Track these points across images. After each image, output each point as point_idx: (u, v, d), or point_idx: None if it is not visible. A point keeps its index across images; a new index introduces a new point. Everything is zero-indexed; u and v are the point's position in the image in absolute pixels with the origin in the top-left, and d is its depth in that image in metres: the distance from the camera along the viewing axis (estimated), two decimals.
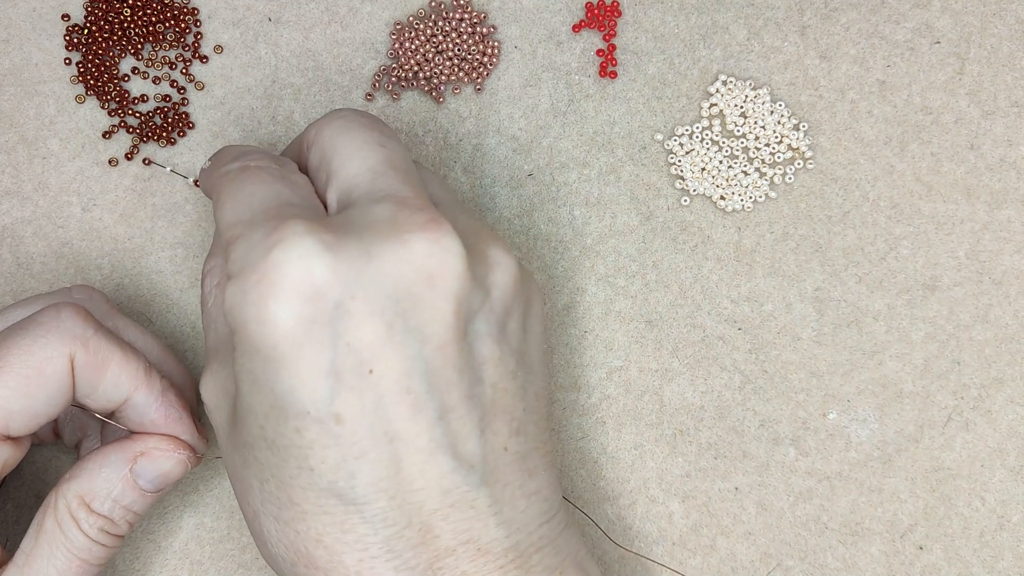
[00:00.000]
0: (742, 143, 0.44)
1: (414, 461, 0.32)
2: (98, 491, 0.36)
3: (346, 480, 0.32)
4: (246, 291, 0.31)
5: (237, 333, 0.32)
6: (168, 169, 0.43)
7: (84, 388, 0.36)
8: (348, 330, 0.31)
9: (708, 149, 0.44)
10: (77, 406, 0.37)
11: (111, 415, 0.37)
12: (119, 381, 0.36)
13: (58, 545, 0.36)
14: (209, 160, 0.38)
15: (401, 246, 0.32)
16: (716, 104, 0.44)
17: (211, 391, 0.35)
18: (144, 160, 0.43)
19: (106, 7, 0.44)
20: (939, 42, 0.44)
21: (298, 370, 0.31)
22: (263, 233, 0.32)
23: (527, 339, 0.35)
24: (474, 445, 0.33)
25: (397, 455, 0.32)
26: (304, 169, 0.37)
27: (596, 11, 0.44)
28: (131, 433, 0.37)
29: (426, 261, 0.32)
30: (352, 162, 0.34)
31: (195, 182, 0.43)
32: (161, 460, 0.37)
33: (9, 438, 0.35)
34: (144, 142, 0.44)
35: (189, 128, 0.44)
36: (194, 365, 0.43)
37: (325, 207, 0.35)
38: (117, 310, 0.40)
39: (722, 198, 0.44)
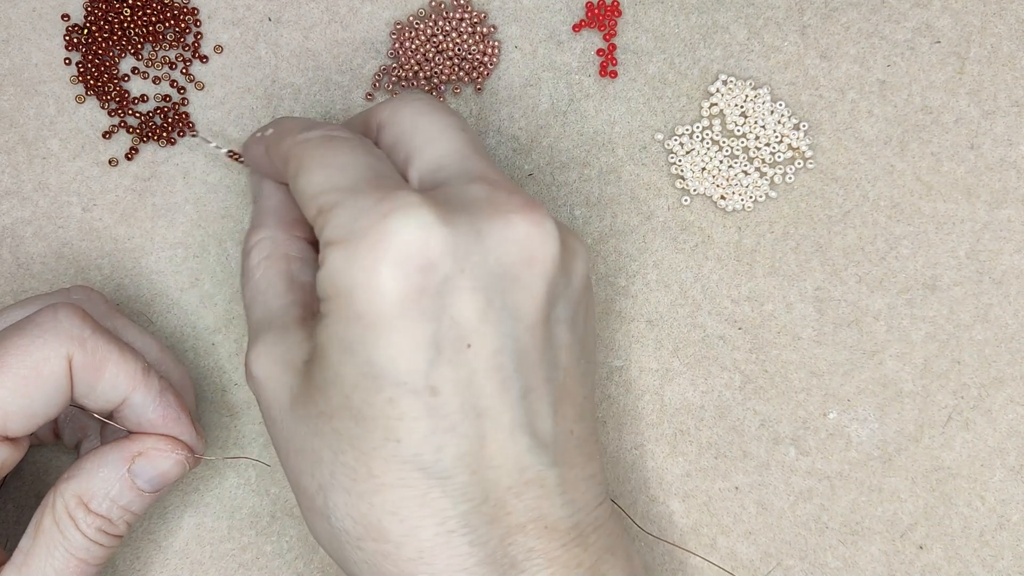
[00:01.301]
0: (742, 143, 0.44)
1: (497, 438, 0.32)
2: (96, 491, 0.36)
3: (432, 453, 0.32)
4: (355, 257, 0.31)
5: (335, 299, 0.32)
6: (213, 144, 0.43)
7: (82, 388, 0.36)
8: (453, 304, 0.31)
9: (708, 149, 0.44)
10: (76, 406, 0.37)
11: (110, 415, 0.37)
12: (117, 381, 0.36)
13: (56, 545, 0.36)
14: (269, 129, 0.38)
15: (506, 226, 0.32)
16: (716, 104, 0.44)
17: (264, 364, 0.35)
18: (192, 134, 0.43)
19: (106, 7, 0.44)
20: (939, 42, 0.44)
21: (401, 340, 0.31)
22: (372, 200, 0.32)
23: (588, 329, 0.36)
24: (549, 426, 0.34)
25: (483, 430, 0.32)
26: None
27: (596, 11, 0.44)
28: (130, 433, 0.37)
29: (528, 242, 0.32)
30: (438, 143, 0.35)
31: (231, 154, 0.43)
32: (159, 460, 0.37)
33: (8, 439, 0.35)
34: (144, 142, 0.44)
35: (189, 128, 0.44)
36: (194, 365, 0.43)
37: None
38: (116, 310, 0.40)
39: (722, 198, 0.44)
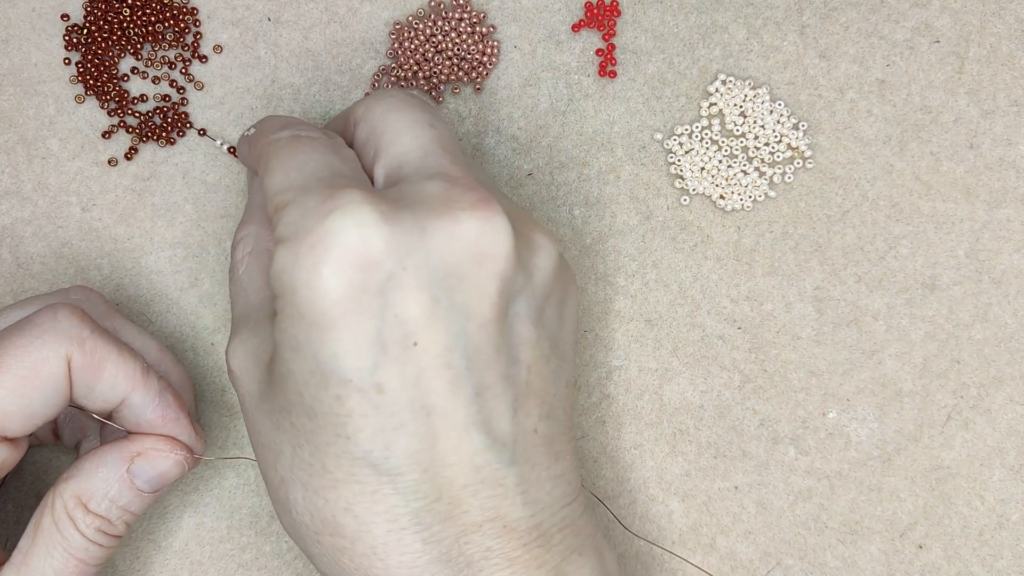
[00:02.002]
0: (741, 142, 0.44)
1: (449, 436, 0.32)
2: (95, 491, 0.36)
3: (382, 450, 0.32)
4: (298, 256, 0.31)
5: (283, 297, 0.32)
6: (219, 142, 0.43)
7: (81, 389, 0.36)
8: (396, 302, 0.31)
9: (707, 148, 0.44)
10: (75, 407, 0.37)
11: (109, 416, 0.37)
12: (116, 382, 0.36)
13: (55, 545, 0.36)
14: (252, 128, 0.38)
15: (453, 223, 0.32)
16: (715, 103, 0.44)
17: (239, 357, 0.35)
18: (200, 131, 0.44)
19: (105, 7, 0.44)
20: (938, 41, 0.44)
21: (344, 338, 0.31)
22: (318, 199, 0.32)
23: (562, 325, 0.36)
24: (507, 425, 0.33)
25: (433, 429, 0.32)
26: (349, 144, 0.37)
27: (595, 11, 0.44)
28: (128, 434, 0.37)
29: (476, 239, 0.32)
30: (403, 140, 0.35)
31: (231, 150, 0.44)
32: (158, 460, 0.37)
33: (7, 439, 0.35)
34: (143, 142, 0.44)
35: (188, 128, 0.44)
36: (193, 365, 0.43)
37: (372, 182, 0.35)
38: (115, 310, 0.40)
39: (721, 197, 0.44)
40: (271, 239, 0.37)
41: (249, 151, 0.38)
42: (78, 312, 0.36)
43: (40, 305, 0.38)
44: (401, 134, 0.35)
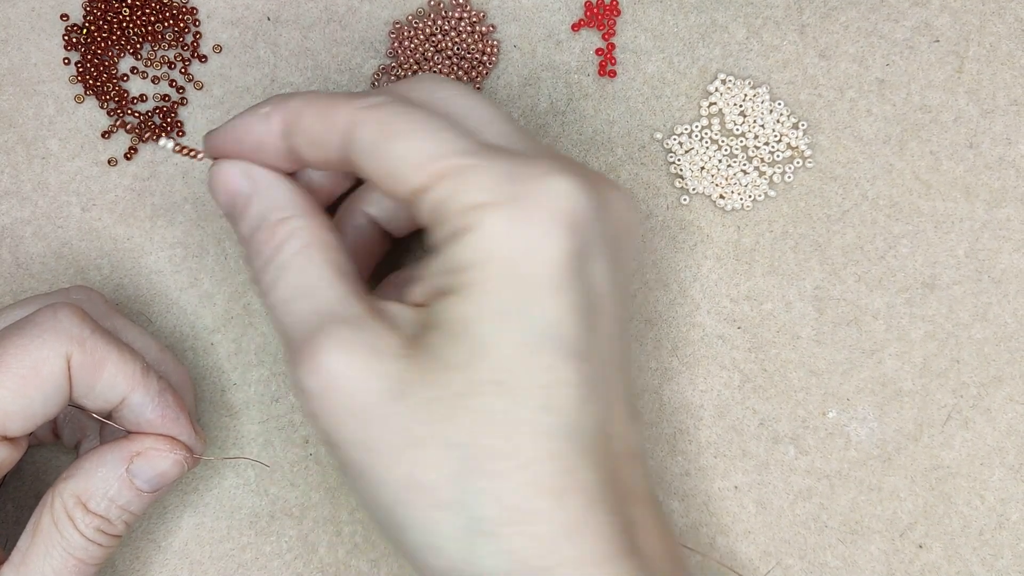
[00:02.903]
0: (741, 142, 0.44)
1: (615, 407, 0.33)
2: (94, 491, 0.36)
3: (581, 422, 0.31)
4: (522, 218, 0.30)
5: (491, 264, 0.30)
6: (166, 143, 0.37)
7: (81, 388, 0.36)
8: (593, 269, 0.32)
9: (707, 148, 0.44)
10: (75, 406, 0.37)
11: (109, 415, 0.37)
12: (116, 381, 0.36)
13: (54, 544, 0.36)
14: (265, 106, 0.35)
15: (616, 195, 0.33)
16: (715, 103, 0.44)
17: (345, 358, 0.32)
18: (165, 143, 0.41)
19: (105, 7, 0.44)
20: (938, 40, 0.44)
21: (564, 302, 0.31)
22: (515, 163, 0.31)
23: None
24: (631, 396, 0.35)
25: (609, 398, 0.32)
26: None
27: (595, 10, 0.44)
28: (128, 433, 0.37)
29: (628, 213, 0.34)
30: (494, 123, 0.34)
31: (182, 149, 0.37)
32: (157, 460, 0.37)
33: (7, 438, 0.35)
34: (143, 142, 0.44)
35: (180, 134, 0.44)
36: (193, 365, 0.43)
37: None
38: (115, 310, 0.40)
39: (721, 197, 0.44)
40: (326, 232, 0.34)
41: (286, 133, 0.34)
42: (78, 312, 0.36)
43: (40, 305, 0.38)
44: (493, 119, 0.34)
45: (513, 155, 0.32)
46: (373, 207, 0.39)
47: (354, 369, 0.31)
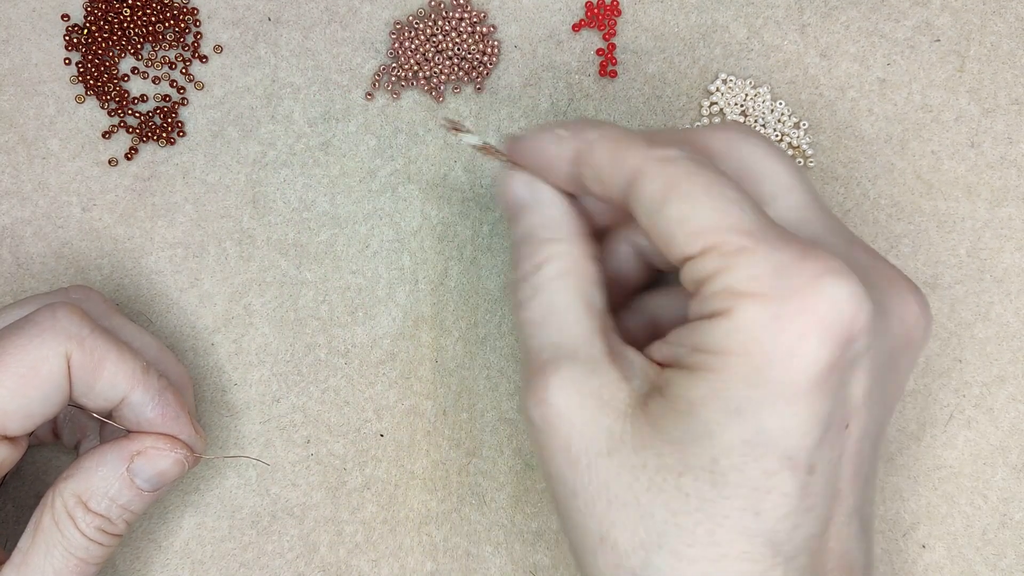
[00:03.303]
0: None
1: (838, 522, 0.31)
2: (95, 490, 0.36)
3: (788, 532, 0.30)
4: (781, 318, 0.28)
5: (739, 357, 0.29)
6: (472, 139, 0.37)
7: (81, 387, 0.36)
8: (852, 382, 0.30)
9: None
10: (75, 406, 0.37)
11: (109, 415, 0.37)
12: (116, 380, 0.36)
13: (55, 544, 0.36)
14: (568, 130, 0.34)
15: (903, 304, 0.31)
16: (716, 103, 0.44)
17: (570, 396, 0.31)
18: (448, 122, 0.38)
19: (106, 7, 0.44)
20: (939, 40, 0.44)
21: (805, 413, 0.29)
22: (794, 255, 0.29)
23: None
24: (870, 511, 0.33)
25: (831, 513, 0.31)
26: None
27: (596, 10, 0.44)
28: (129, 432, 0.37)
29: (915, 324, 0.31)
30: (794, 193, 0.33)
31: (488, 148, 0.37)
32: (158, 459, 0.37)
33: (6, 438, 0.35)
34: (144, 142, 0.44)
35: (180, 134, 0.44)
36: (194, 365, 0.43)
37: None
38: (115, 310, 0.39)
39: None
40: (588, 263, 0.34)
41: (577, 160, 0.33)
42: (78, 311, 0.36)
43: (40, 304, 0.38)
44: (792, 186, 0.33)
45: (793, 243, 0.29)
46: (641, 239, 0.37)
47: (576, 415, 0.31)
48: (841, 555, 0.32)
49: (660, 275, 0.39)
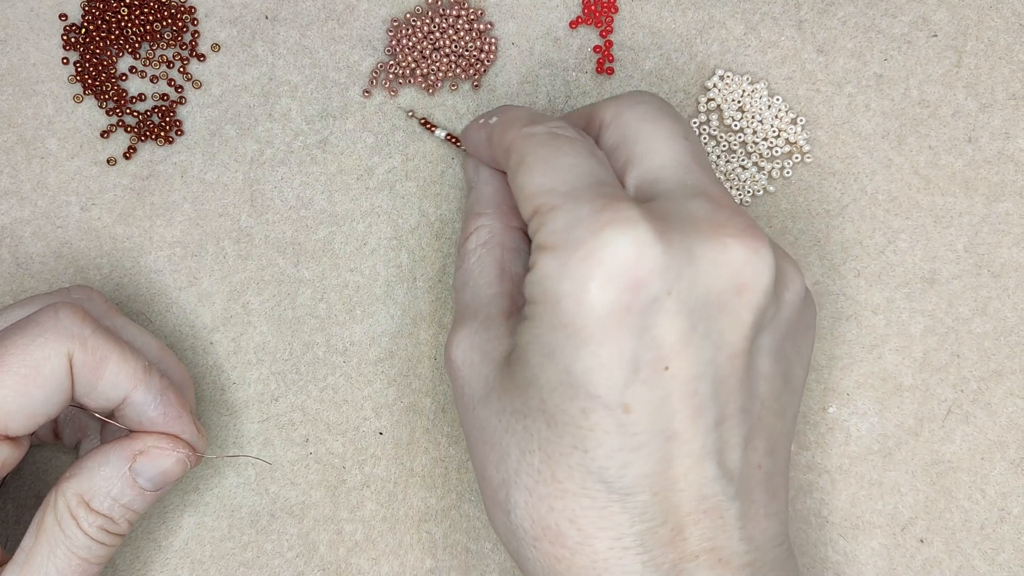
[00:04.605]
0: (740, 137, 0.44)
1: (683, 463, 0.32)
2: (98, 490, 0.36)
3: (618, 468, 0.32)
4: (566, 266, 0.31)
5: (541, 304, 0.32)
6: (440, 132, 0.43)
7: (83, 387, 0.36)
8: (656, 325, 0.31)
9: (706, 144, 0.44)
10: (76, 406, 0.37)
11: (111, 415, 0.37)
12: (117, 380, 0.36)
13: (58, 544, 0.36)
14: (493, 116, 0.38)
15: (721, 250, 0.32)
16: (713, 99, 0.44)
17: (464, 350, 0.36)
18: (418, 118, 0.43)
19: (103, 6, 0.44)
20: (936, 35, 0.44)
21: (601, 354, 0.31)
22: (591, 210, 0.31)
23: (798, 361, 0.36)
24: (737, 458, 0.33)
25: (670, 454, 0.32)
26: None
27: (593, 7, 0.44)
28: (131, 432, 0.37)
29: (741, 269, 0.32)
30: (660, 152, 0.35)
31: (450, 138, 0.43)
32: (160, 459, 0.37)
33: (8, 438, 0.35)
34: (142, 141, 0.44)
35: (179, 133, 0.44)
36: (193, 364, 0.43)
37: None
38: (116, 309, 0.40)
39: None
40: (507, 233, 0.38)
41: (489, 141, 0.37)
42: (79, 311, 0.36)
43: (41, 304, 0.38)
44: (657, 146, 0.35)
45: (597, 198, 0.32)
46: None
47: (466, 363, 0.36)
48: (699, 498, 0.33)
49: None
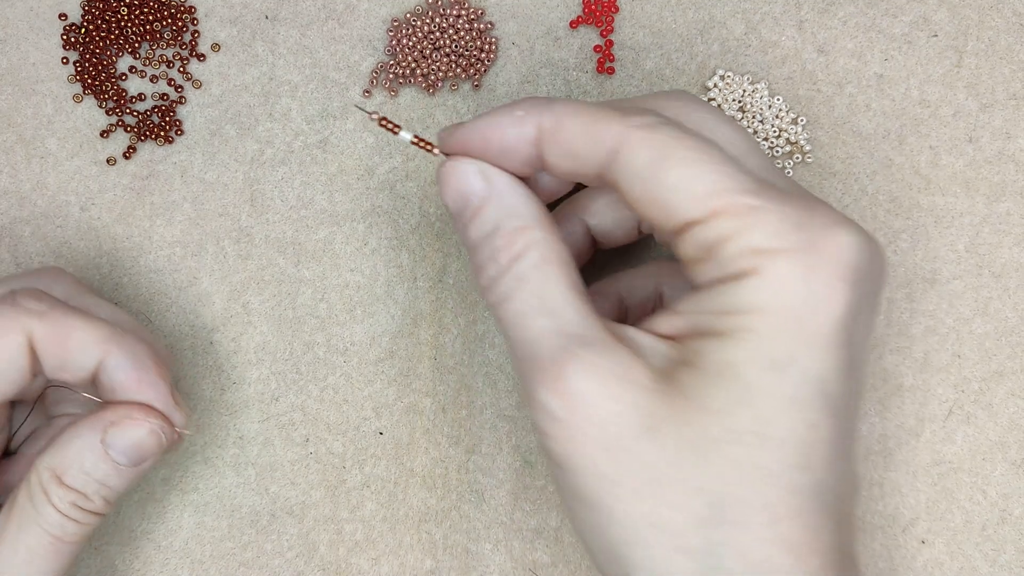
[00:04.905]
0: None
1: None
2: (70, 463, 0.35)
3: (832, 483, 0.31)
4: (813, 269, 0.29)
5: (774, 313, 0.29)
6: (405, 134, 0.35)
7: (53, 360, 0.35)
8: (858, 328, 0.31)
9: None
10: (58, 385, 0.36)
11: (94, 393, 0.36)
12: (86, 346, 0.34)
13: (29, 520, 0.34)
14: (516, 110, 0.33)
15: (878, 248, 0.31)
16: (714, 99, 0.44)
17: (594, 381, 0.30)
18: (376, 118, 0.35)
19: (103, 6, 0.44)
20: (937, 35, 0.44)
21: (840, 358, 0.30)
22: (803, 208, 0.30)
23: None
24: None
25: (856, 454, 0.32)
26: None
27: (593, 7, 0.44)
28: (105, 404, 0.36)
29: (885, 267, 0.32)
30: (754, 157, 0.33)
31: (418, 141, 0.35)
32: (132, 429, 0.35)
33: None
34: (142, 141, 0.44)
35: (178, 132, 0.44)
36: (193, 364, 0.43)
37: None
38: (87, 290, 0.39)
39: None
40: (562, 247, 0.33)
41: (541, 139, 0.32)
42: (36, 292, 0.35)
43: (8, 287, 0.37)
44: (750, 151, 0.33)
45: (794, 198, 0.30)
46: (594, 218, 0.37)
47: (606, 397, 0.30)
48: (849, 498, 0.32)
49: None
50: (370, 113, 0.35)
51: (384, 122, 0.35)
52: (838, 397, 0.30)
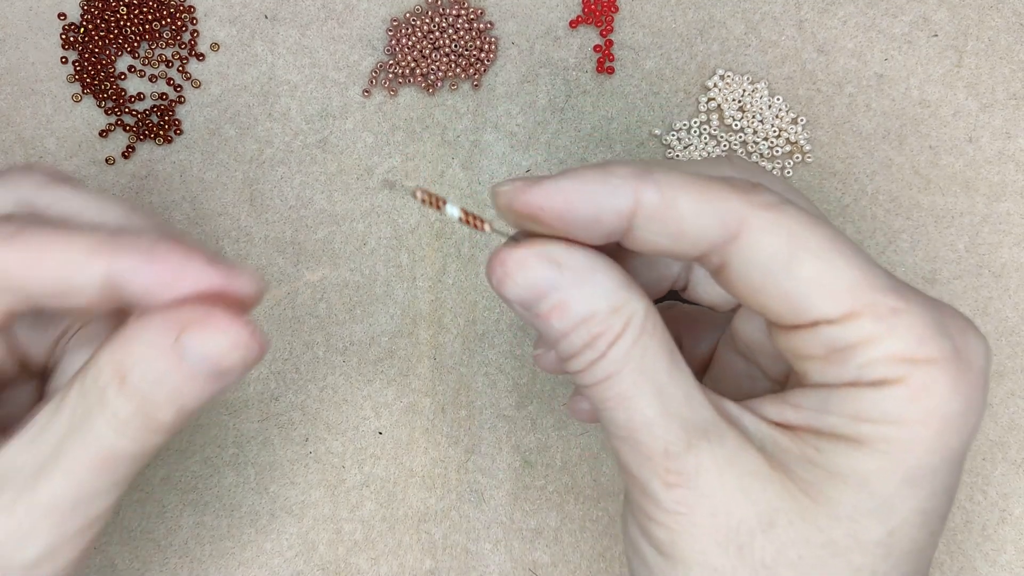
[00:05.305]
0: (740, 137, 0.44)
1: None
2: (137, 361, 0.27)
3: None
4: (963, 380, 0.27)
5: (919, 424, 0.27)
6: (451, 210, 0.29)
7: (41, 290, 0.28)
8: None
9: (706, 143, 0.44)
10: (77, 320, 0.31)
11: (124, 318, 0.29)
12: (73, 258, 0.27)
13: (79, 425, 0.27)
14: (619, 177, 0.27)
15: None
16: (714, 98, 0.44)
17: (712, 473, 0.28)
18: (421, 195, 0.29)
19: (102, 6, 0.44)
20: (937, 35, 0.44)
21: (958, 470, 0.29)
22: (932, 308, 0.27)
23: None
24: None
25: None
26: None
27: (593, 7, 0.44)
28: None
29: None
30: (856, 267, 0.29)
31: (468, 218, 0.29)
32: (213, 334, 0.27)
33: None
34: (141, 140, 0.44)
35: (177, 133, 0.44)
36: None
37: None
38: (70, 183, 0.32)
39: None
40: (659, 318, 0.29)
41: (690, 221, 0.27)
42: None
43: None
44: (852, 256, 0.28)
45: (924, 297, 0.28)
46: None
47: (722, 491, 0.28)
48: None
49: None
50: (412, 190, 0.28)
51: (427, 198, 0.28)
52: (944, 512, 0.29)
